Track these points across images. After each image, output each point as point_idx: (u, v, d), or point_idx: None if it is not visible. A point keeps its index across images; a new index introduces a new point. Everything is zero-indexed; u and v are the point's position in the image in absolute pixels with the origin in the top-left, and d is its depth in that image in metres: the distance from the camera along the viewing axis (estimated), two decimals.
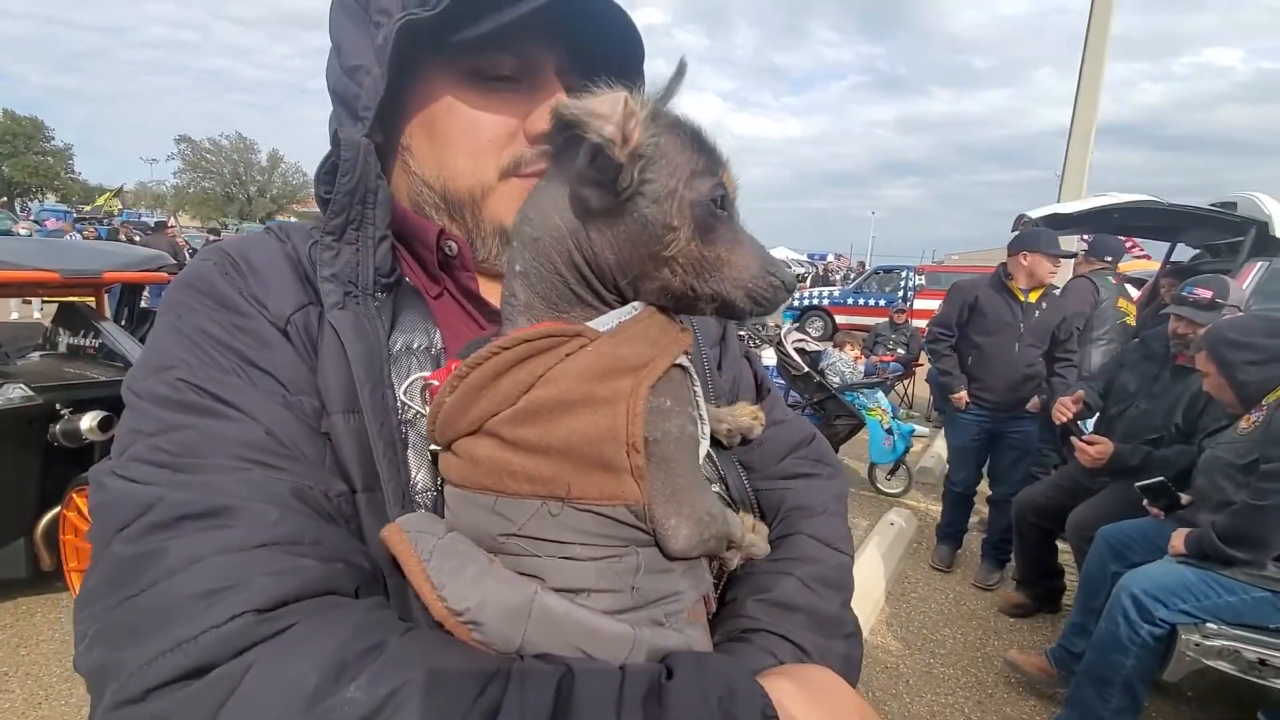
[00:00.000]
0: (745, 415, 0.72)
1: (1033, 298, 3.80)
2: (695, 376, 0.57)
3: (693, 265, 0.52)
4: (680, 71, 0.54)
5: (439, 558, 0.48)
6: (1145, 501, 2.76)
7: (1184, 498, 2.69)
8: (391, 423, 0.56)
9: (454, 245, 0.65)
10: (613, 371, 0.49)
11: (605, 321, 0.52)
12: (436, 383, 0.55)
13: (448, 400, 0.51)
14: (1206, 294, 3.01)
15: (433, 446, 0.55)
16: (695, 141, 0.53)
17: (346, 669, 0.41)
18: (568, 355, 0.49)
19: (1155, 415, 3.13)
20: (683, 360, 0.55)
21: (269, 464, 0.51)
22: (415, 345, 0.61)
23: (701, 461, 0.56)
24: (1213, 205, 4.97)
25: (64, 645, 2.95)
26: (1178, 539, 2.47)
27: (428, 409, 0.55)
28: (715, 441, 0.71)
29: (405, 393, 0.57)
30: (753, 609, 0.62)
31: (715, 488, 0.68)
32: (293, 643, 0.42)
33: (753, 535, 0.63)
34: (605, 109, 0.48)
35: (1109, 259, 4.67)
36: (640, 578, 0.49)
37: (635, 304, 0.55)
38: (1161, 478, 2.72)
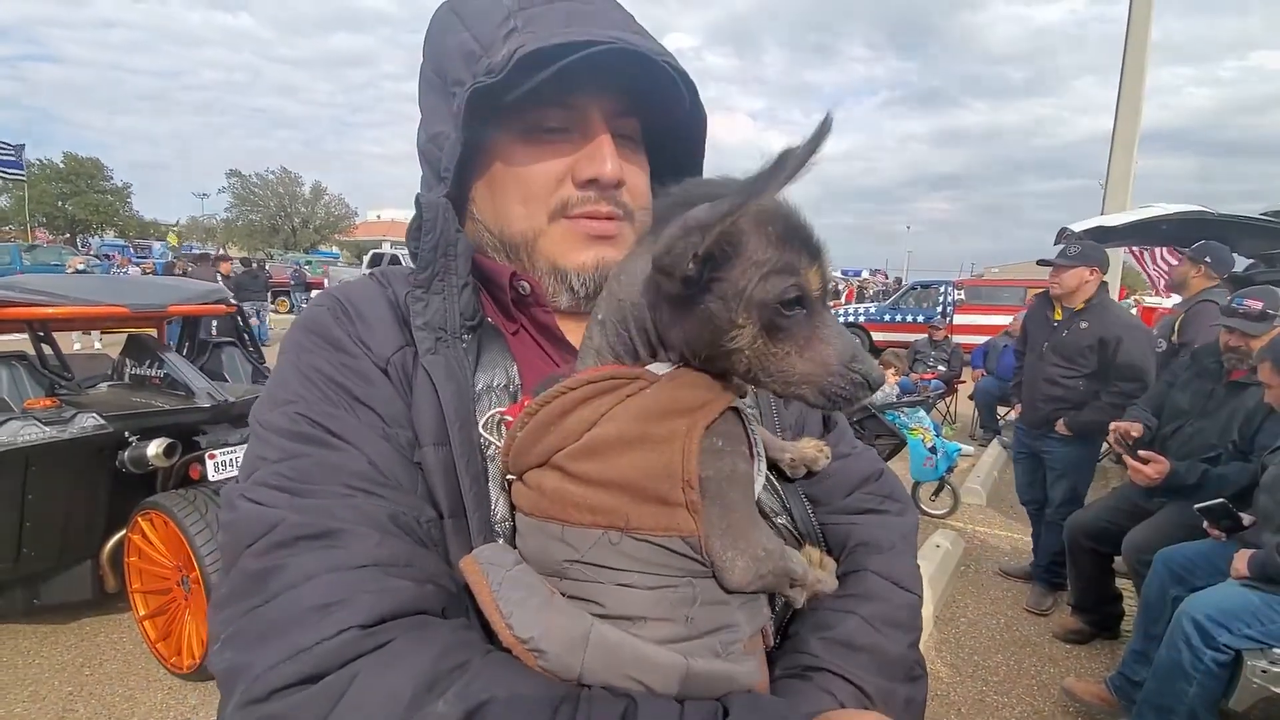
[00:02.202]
0: (810, 447, 0.73)
1: (1057, 315, 3.72)
2: (751, 418, 0.60)
3: (758, 359, 0.52)
4: (821, 132, 0.45)
5: (507, 588, 0.52)
6: (1205, 524, 2.68)
7: (1245, 518, 2.60)
8: (477, 457, 0.61)
9: (526, 285, 0.70)
10: (669, 413, 0.52)
11: (664, 366, 0.56)
12: (510, 418, 0.60)
13: (519, 434, 0.55)
14: (1257, 305, 2.96)
15: (508, 476, 0.59)
16: (781, 236, 0.51)
17: (437, 684, 0.46)
18: (628, 396, 0.53)
19: (1210, 433, 3.05)
20: (739, 403, 0.57)
21: (371, 491, 0.56)
22: (495, 383, 0.66)
23: (759, 495, 0.59)
24: (1265, 214, 4.82)
25: (127, 666, 3.07)
26: (1240, 561, 2.39)
27: (501, 441, 0.59)
28: (780, 473, 0.72)
29: (484, 426, 0.62)
30: (815, 646, 0.62)
31: (780, 520, 0.69)
32: (392, 657, 0.47)
33: (819, 571, 0.62)
34: (703, 215, 0.48)
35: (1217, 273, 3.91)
36: (696, 609, 0.52)
37: None
38: (1222, 499, 2.63)
